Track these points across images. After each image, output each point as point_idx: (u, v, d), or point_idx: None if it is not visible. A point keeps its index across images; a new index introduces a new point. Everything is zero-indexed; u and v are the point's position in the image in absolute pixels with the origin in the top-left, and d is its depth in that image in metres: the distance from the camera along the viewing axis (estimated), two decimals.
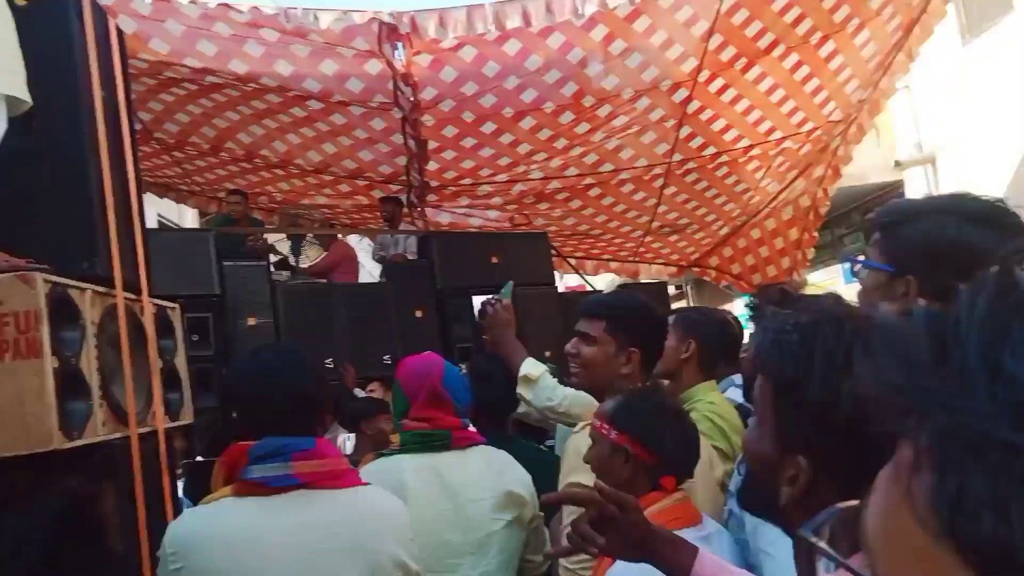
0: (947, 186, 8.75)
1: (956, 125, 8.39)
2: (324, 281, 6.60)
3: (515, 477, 1.97)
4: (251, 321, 5.19)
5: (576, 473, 1.77)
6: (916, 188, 9.40)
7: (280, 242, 6.44)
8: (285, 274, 6.32)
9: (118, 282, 2.27)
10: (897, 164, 9.37)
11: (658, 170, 6.55)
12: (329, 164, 6.20)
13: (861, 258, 1.44)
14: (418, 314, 5.78)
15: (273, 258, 6.27)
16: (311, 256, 6.53)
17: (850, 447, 0.66)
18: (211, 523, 1.47)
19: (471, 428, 2.06)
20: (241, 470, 1.48)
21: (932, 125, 8.91)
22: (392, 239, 6.78)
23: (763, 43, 5.36)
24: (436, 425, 1.92)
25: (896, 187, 9.78)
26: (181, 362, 2.69)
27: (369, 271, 7.78)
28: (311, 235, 6.45)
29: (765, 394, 0.81)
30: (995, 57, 7.44)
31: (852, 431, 0.66)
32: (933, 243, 1.28)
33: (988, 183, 7.39)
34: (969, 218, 1.27)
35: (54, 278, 1.86)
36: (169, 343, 2.63)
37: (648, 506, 1.36)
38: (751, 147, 6.44)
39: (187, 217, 9.39)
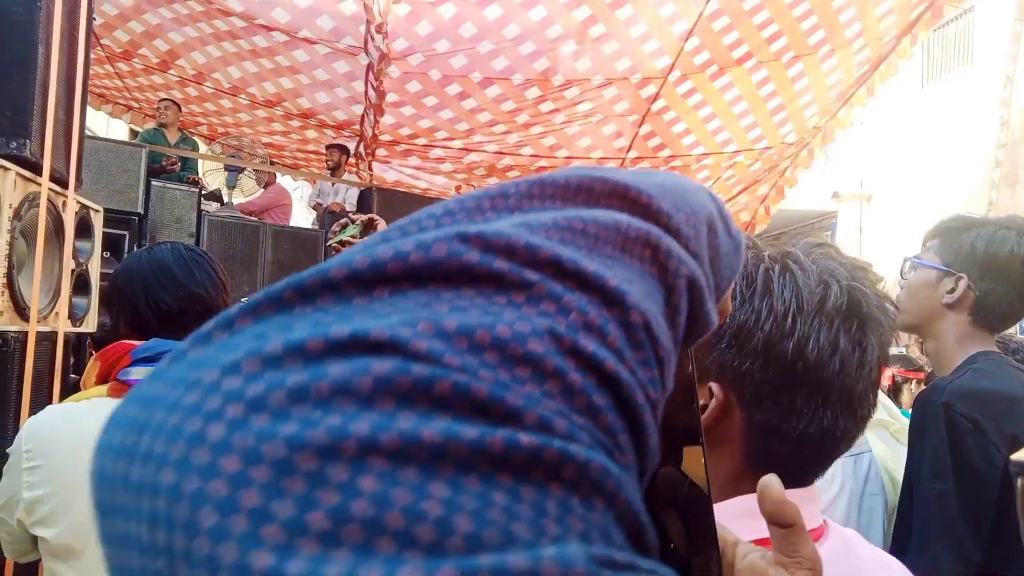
0: (878, 223, 9.08)
1: (896, 166, 8.69)
2: (255, 219, 6.36)
3: None
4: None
5: None
6: (848, 221, 9.73)
7: (215, 171, 6.12)
8: (215, 205, 6.03)
9: (45, 170, 2.13)
10: (835, 195, 9.65)
11: (612, 164, 6.53)
12: (282, 99, 5.93)
13: (919, 257, 1.57)
14: None
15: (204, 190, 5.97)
16: (245, 190, 6.24)
17: (766, 365, 0.69)
18: (78, 421, 1.32)
19: None
20: (120, 370, 1.34)
21: (875, 163, 9.21)
22: (332, 188, 6.55)
23: (737, 53, 5.38)
24: None
25: (830, 216, 10.09)
26: (95, 269, 2.56)
27: (303, 217, 7.54)
28: (249, 169, 6.14)
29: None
30: (946, 106, 7.72)
31: (769, 350, 0.69)
32: (990, 250, 1.46)
33: (912, 229, 7.70)
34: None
35: None
36: (86, 246, 2.50)
37: None
38: (705, 155, 6.50)
39: (114, 134, 8.89)
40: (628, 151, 6.31)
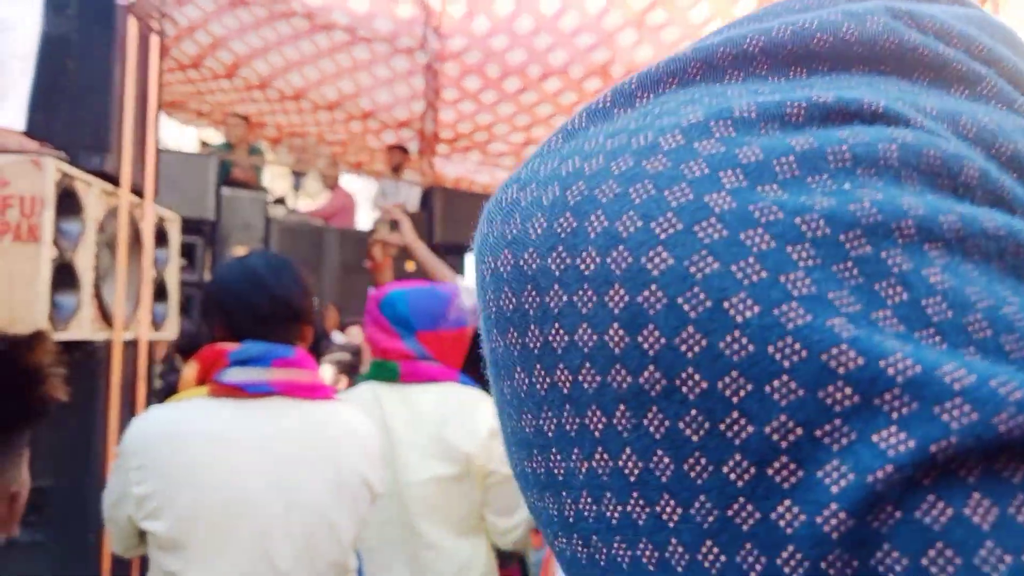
0: None
1: None
2: (321, 222, 6.49)
3: (461, 427, 1.70)
4: (240, 251, 5.09)
5: None
6: None
7: (281, 176, 6.27)
8: (282, 210, 6.18)
9: (125, 183, 2.22)
10: None
11: None
12: (343, 101, 6.03)
13: None
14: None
15: (271, 196, 6.13)
16: (310, 191, 6.37)
17: None
18: (180, 420, 1.39)
19: (428, 362, 1.78)
20: (218, 372, 1.42)
21: None
22: (394, 188, 6.63)
23: None
24: (381, 353, 1.80)
25: None
26: (172, 276, 2.64)
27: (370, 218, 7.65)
28: (313, 171, 6.27)
29: None
30: None
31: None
32: None
33: None
34: None
35: (65, 167, 1.76)
36: (163, 254, 2.58)
37: None
38: None
39: (185, 143, 9.22)
40: None
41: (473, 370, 2.35)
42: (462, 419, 1.70)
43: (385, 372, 1.78)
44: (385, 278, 2.97)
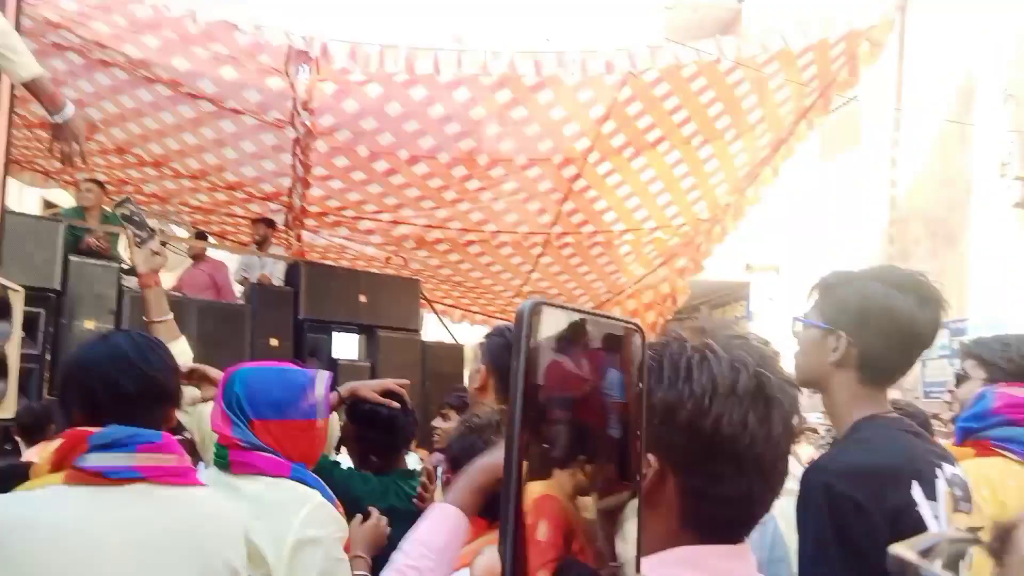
0: (788, 292, 9.58)
1: (801, 239, 9.26)
2: (179, 294, 6.26)
3: (267, 531, 1.59)
4: (90, 324, 4.82)
5: None
6: (761, 290, 10.22)
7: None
8: (134, 280, 5.92)
9: None
10: (748, 267, 10.16)
11: (537, 239, 6.76)
12: (208, 173, 5.93)
13: (800, 316, 1.57)
14: (273, 342, 5.60)
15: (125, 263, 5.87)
16: (168, 266, 6.14)
17: (691, 439, 0.82)
18: (36, 509, 1.31)
19: (260, 452, 1.67)
20: (77, 457, 1.34)
21: (782, 236, 9.77)
22: (259, 261, 6.54)
23: (651, 136, 5.72)
24: (218, 437, 1.72)
25: (744, 287, 10.58)
26: (14, 351, 2.50)
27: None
28: (175, 243, 6.08)
29: None
30: (842, 183, 8.33)
31: (692, 426, 0.82)
32: (865, 305, 1.45)
33: None
34: (895, 286, 1.46)
35: None
36: (5, 327, 2.45)
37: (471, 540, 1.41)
38: (626, 231, 6.80)
39: (27, 205, 8.65)
40: (552, 226, 6.54)
41: (362, 458, 2.27)
42: (272, 522, 1.59)
43: (218, 458, 1.71)
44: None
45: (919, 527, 1.34)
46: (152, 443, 1.40)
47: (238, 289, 6.52)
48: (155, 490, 1.39)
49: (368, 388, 2.21)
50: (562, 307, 0.55)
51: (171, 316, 2.08)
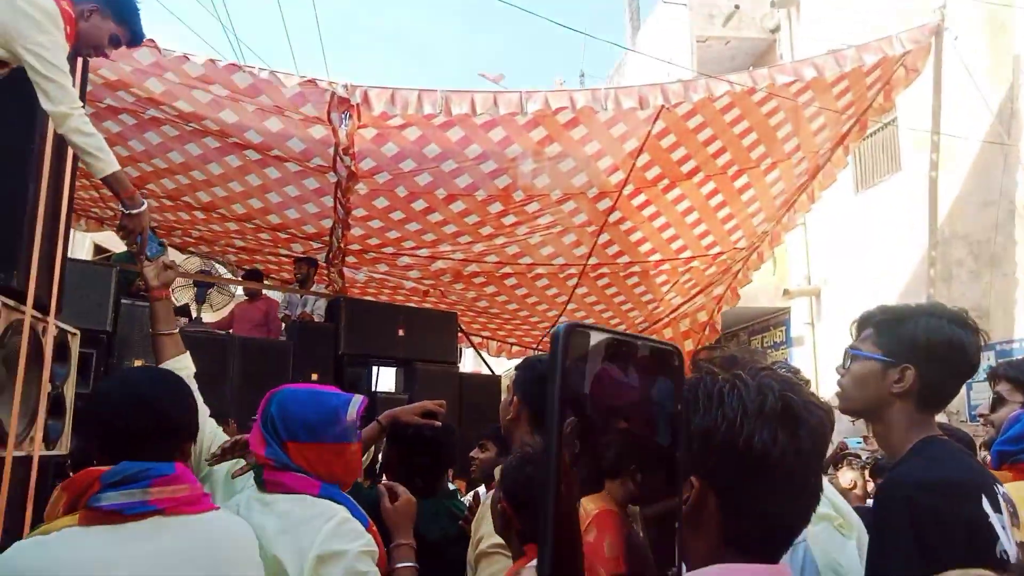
0: (828, 317, 9.45)
1: (840, 264, 9.14)
2: (224, 332, 6.41)
3: (291, 544, 1.59)
4: (138, 363, 4.97)
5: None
6: (800, 316, 10.09)
7: (184, 287, 6.20)
8: (183, 320, 6.08)
9: (29, 299, 2.22)
10: (786, 292, 10.04)
11: (573, 270, 6.80)
12: (253, 217, 6.10)
13: (858, 348, 1.63)
14: (314, 376, 5.70)
15: (176, 302, 6.04)
16: (214, 305, 6.31)
17: (726, 458, 0.89)
18: (54, 553, 1.30)
19: (291, 472, 1.68)
20: (90, 497, 1.35)
21: (820, 261, 9.66)
22: (301, 299, 6.68)
23: (686, 168, 5.75)
24: (257, 459, 1.73)
25: (783, 313, 10.45)
26: (70, 391, 2.60)
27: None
28: (219, 285, 6.24)
29: None
30: (880, 208, 8.23)
31: (726, 446, 0.89)
32: (931, 340, 1.54)
33: None
34: (954, 321, 1.56)
35: None
36: (63, 369, 2.54)
37: (515, 569, 1.44)
38: (662, 261, 6.82)
39: (79, 250, 8.94)
40: (588, 258, 6.58)
41: (406, 482, 2.24)
42: (296, 537, 1.59)
43: (256, 477, 1.73)
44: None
45: (992, 538, 1.39)
46: (165, 476, 1.41)
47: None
48: (169, 520, 1.40)
49: (407, 412, 2.21)
50: (599, 329, 0.58)
51: (177, 330, 2.08)
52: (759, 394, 0.92)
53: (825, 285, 9.60)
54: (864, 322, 1.66)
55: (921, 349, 1.54)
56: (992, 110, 6.27)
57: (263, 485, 1.70)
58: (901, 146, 7.85)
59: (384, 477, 2.58)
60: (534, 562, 1.22)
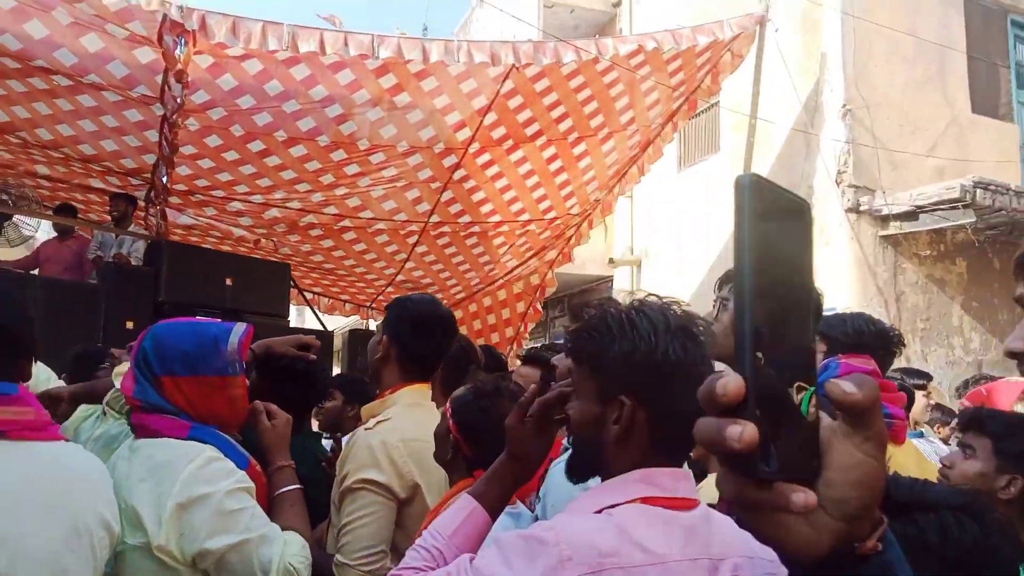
0: (647, 286, 10.10)
1: (661, 237, 9.78)
2: (23, 271, 5.77)
3: (149, 493, 1.49)
4: None
5: (365, 470, 1.81)
6: (622, 284, 10.71)
7: None
8: None
9: None
10: (611, 261, 10.59)
11: (414, 227, 6.76)
12: (61, 144, 5.49)
13: (728, 298, 1.72)
14: (129, 325, 5.28)
15: None
16: (12, 241, 5.65)
17: (650, 373, 1.04)
18: None
19: (158, 412, 1.58)
20: None
21: (643, 233, 10.28)
22: (116, 238, 6.12)
23: (530, 131, 5.88)
24: (126, 400, 1.64)
25: (607, 280, 11.02)
26: None
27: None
28: (17, 218, 5.59)
29: (582, 374, 1.12)
30: (699, 185, 8.88)
31: (648, 361, 1.03)
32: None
33: (679, 287, 8.69)
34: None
35: None
36: None
37: (462, 487, 1.52)
38: (501, 223, 6.94)
39: None
40: (430, 215, 6.57)
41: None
42: (155, 485, 1.49)
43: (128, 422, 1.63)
44: None
45: None
46: (7, 395, 1.34)
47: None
48: (11, 445, 1.32)
49: (281, 343, 2.13)
50: (775, 185, 0.53)
51: None
52: (662, 315, 1.08)
53: (646, 256, 10.23)
54: (728, 279, 1.77)
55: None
56: (800, 100, 6.93)
57: (133, 430, 1.59)
58: (721, 128, 8.49)
59: None
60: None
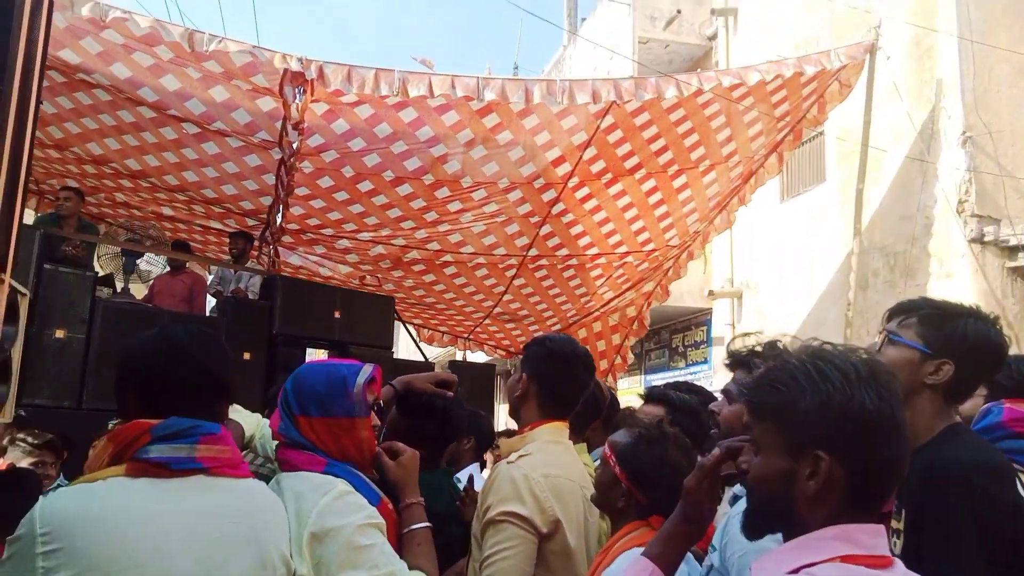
0: (748, 319, 9.83)
1: (762, 268, 9.53)
2: (150, 305, 6.16)
3: (275, 517, 1.53)
4: (59, 334, 4.73)
5: (508, 502, 1.82)
6: (722, 316, 10.47)
7: (111, 257, 5.91)
8: (107, 291, 5.81)
9: None
10: (710, 293, 10.38)
11: (513, 260, 6.85)
12: (186, 189, 5.88)
13: (899, 335, 1.68)
14: (246, 356, 5.55)
15: (99, 271, 5.76)
16: (143, 277, 6.05)
17: (847, 426, 0.99)
18: (99, 502, 1.29)
19: (299, 449, 1.66)
20: (138, 449, 1.34)
21: (743, 264, 10.04)
22: (235, 275, 6.47)
23: (629, 164, 5.89)
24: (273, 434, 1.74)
25: (706, 313, 10.80)
26: (17, 355, 2.46)
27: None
28: (148, 255, 5.99)
29: (765, 428, 1.08)
30: (803, 216, 8.63)
31: (844, 413, 0.98)
32: (978, 341, 1.62)
33: (782, 319, 8.42)
34: (995, 326, 1.66)
35: None
36: (11, 331, 2.41)
37: (631, 531, 1.56)
38: (598, 256, 6.95)
39: None
40: (529, 249, 6.64)
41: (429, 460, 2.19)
42: (292, 517, 1.54)
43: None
44: None
45: None
46: (212, 435, 1.41)
47: (212, 303, 6.44)
48: (213, 481, 1.40)
49: (421, 379, 2.18)
50: None
51: None
52: (849, 363, 1.02)
53: (747, 288, 9.98)
54: (906, 311, 1.72)
55: (966, 348, 1.61)
56: (916, 128, 6.65)
57: (279, 465, 1.69)
58: (827, 158, 8.24)
59: None
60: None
